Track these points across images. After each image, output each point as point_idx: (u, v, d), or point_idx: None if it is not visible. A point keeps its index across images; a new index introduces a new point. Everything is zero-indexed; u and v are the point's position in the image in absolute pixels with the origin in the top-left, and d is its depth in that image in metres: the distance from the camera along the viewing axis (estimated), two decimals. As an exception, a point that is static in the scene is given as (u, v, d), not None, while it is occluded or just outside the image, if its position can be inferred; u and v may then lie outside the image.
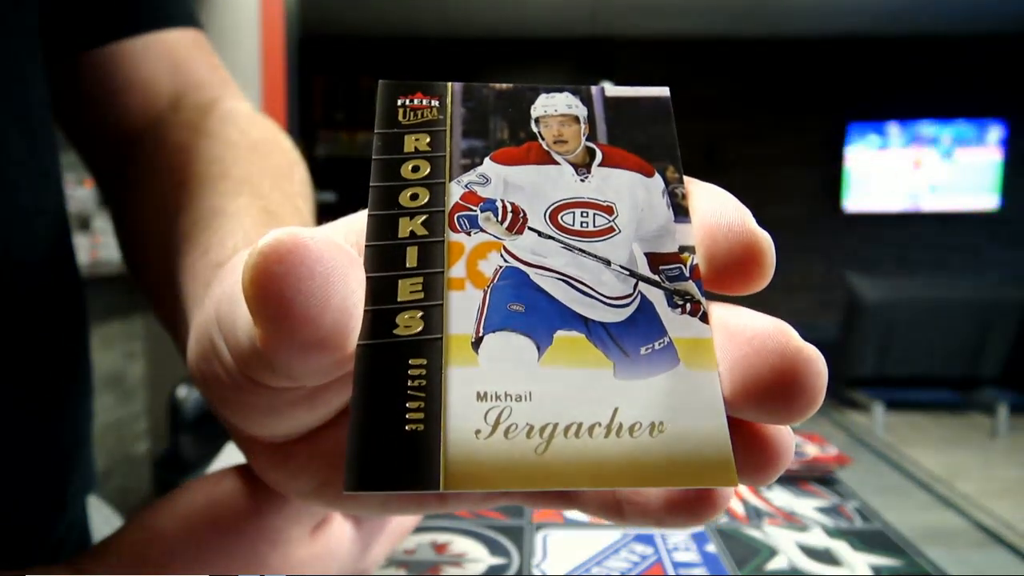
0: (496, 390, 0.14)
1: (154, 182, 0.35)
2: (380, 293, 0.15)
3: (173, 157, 0.35)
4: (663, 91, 0.18)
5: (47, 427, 0.36)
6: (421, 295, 0.15)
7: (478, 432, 0.13)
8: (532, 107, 0.18)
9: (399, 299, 0.15)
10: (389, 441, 0.13)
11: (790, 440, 0.16)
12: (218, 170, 0.32)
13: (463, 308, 0.15)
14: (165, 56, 0.40)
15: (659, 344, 0.15)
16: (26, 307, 0.34)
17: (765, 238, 0.15)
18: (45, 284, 0.35)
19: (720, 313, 0.15)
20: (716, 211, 0.16)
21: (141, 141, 0.38)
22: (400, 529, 0.30)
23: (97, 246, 2.02)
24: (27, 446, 0.34)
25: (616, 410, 0.14)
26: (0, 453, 0.33)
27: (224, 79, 0.42)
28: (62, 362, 0.38)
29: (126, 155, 0.39)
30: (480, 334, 0.15)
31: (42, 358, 0.35)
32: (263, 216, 0.28)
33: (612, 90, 0.18)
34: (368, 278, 0.15)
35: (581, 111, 0.18)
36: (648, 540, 0.43)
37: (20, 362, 0.33)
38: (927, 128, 4.93)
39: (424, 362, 0.14)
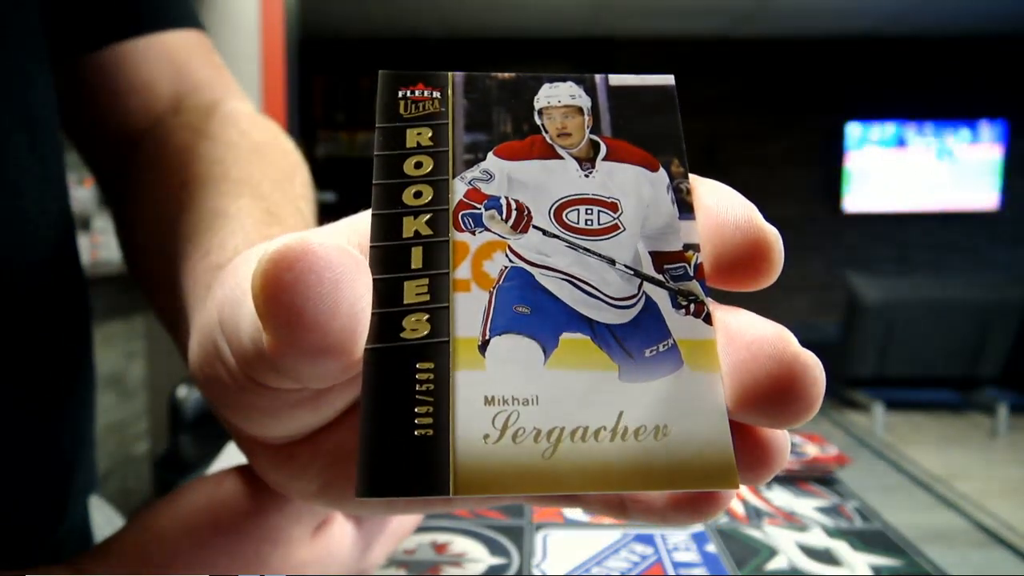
0: (503, 394, 0.14)
1: (155, 183, 0.35)
2: (386, 296, 0.15)
3: (174, 159, 0.35)
4: (668, 79, 0.18)
5: (50, 427, 0.36)
6: (427, 297, 0.15)
7: (486, 437, 0.14)
8: (535, 98, 0.18)
9: (405, 301, 0.15)
10: (399, 447, 0.13)
11: (785, 442, 0.16)
12: (219, 171, 0.32)
13: (469, 310, 0.15)
14: (166, 58, 0.40)
15: (663, 346, 0.15)
16: (30, 308, 0.34)
17: (773, 234, 0.15)
18: (49, 285, 0.35)
19: (721, 316, 0.15)
20: (723, 208, 0.16)
21: (142, 142, 0.38)
22: (401, 530, 0.30)
23: (97, 246, 2.02)
24: (30, 446, 0.34)
25: (621, 413, 0.14)
26: (2, 453, 0.33)
27: (226, 80, 0.42)
28: (65, 363, 0.38)
29: (127, 156, 0.39)
30: (487, 337, 0.15)
31: (45, 359, 0.35)
32: (264, 217, 0.28)
33: (616, 79, 0.18)
34: (374, 280, 0.15)
35: (585, 102, 0.18)
36: (648, 540, 0.43)
37: (23, 363, 0.33)
38: (927, 128, 4.93)
39: (431, 366, 0.14)
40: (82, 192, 2.03)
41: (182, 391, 1.63)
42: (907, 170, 4.98)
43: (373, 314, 0.14)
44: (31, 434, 0.34)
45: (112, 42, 0.39)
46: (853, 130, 4.95)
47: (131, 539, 0.24)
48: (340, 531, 0.26)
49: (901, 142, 4.96)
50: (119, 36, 0.39)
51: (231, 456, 0.49)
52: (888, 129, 4.95)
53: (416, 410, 0.14)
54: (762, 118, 4.92)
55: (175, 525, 0.24)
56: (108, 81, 0.39)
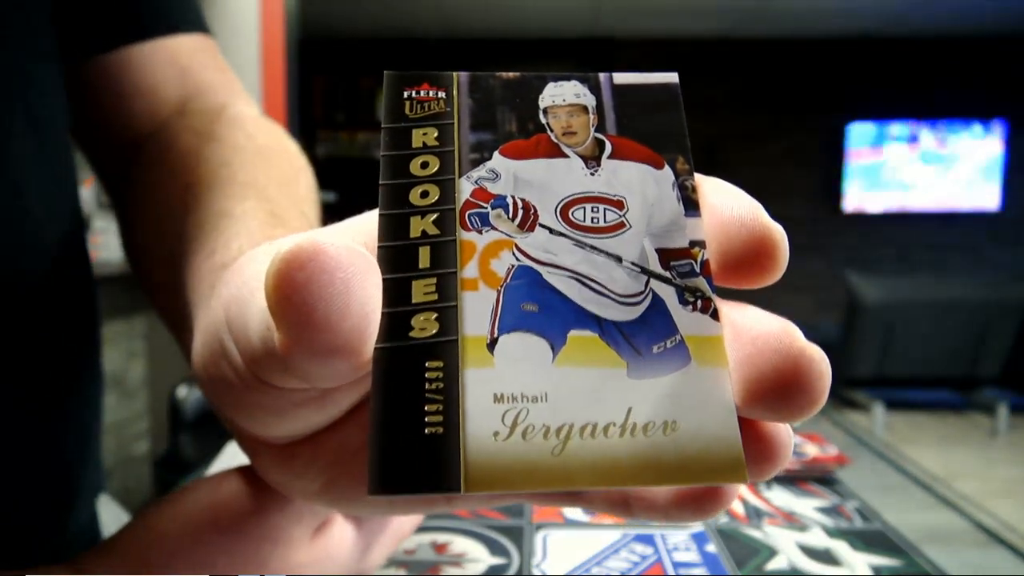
0: (512, 391, 0.14)
1: (160, 185, 0.35)
2: (395, 295, 0.15)
3: (180, 161, 0.35)
4: (672, 77, 0.18)
5: (58, 427, 0.36)
6: (435, 296, 0.15)
7: (496, 434, 0.14)
8: (540, 97, 0.18)
9: (413, 301, 0.15)
10: (410, 444, 0.13)
11: (790, 437, 0.16)
12: (225, 174, 0.32)
13: (477, 309, 0.15)
14: (172, 61, 0.40)
15: (671, 342, 0.15)
16: (37, 308, 0.34)
17: (779, 231, 0.16)
18: (56, 285, 0.36)
19: (728, 311, 0.15)
20: (728, 205, 0.16)
21: (148, 145, 0.38)
22: (400, 531, 0.30)
23: (97, 246, 2.02)
24: (37, 446, 0.35)
25: (630, 410, 0.14)
26: (9, 452, 0.33)
27: (232, 84, 0.42)
28: (75, 363, 0.38)
29: (132, 158, 0.39)
30: (495, 335, 0.15)
31: (53, 359, 0.35)
32: (269, 219, 0.28)
33: (620, 77, 0.18)
34: (383, 280, 0.15)
35: (590, 100, 0.18)
36: (648, 540, 0.43)
37: (31, 363, 0.34)
38: (927, 128, 4.93)
39: (441, 364, 0.14)
40: (82, 192, 2.02)
41: (182, 391, 1.63)
42: (907, 170, 4.98)
43: (382, 314, 0.14)
44: (39, 434, 0.35)
45: (118, 46, 0.39)
46: (854, 130, 4.95)
47: (132, 538, 0.24)
48: (340, 532, 0.26)
49: (901, 142, 4.96)
50: (125, 40, 0.39)
51: (231, 456, 0.49)
52: (888, 129, 4.95)
53: (426, 408, 0.14)
54: (762, 118, 4.92)
55: (176, 524, 0.24)
56: (113, 84, 0.39)
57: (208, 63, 0.42)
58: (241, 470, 0.25)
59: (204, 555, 0.24)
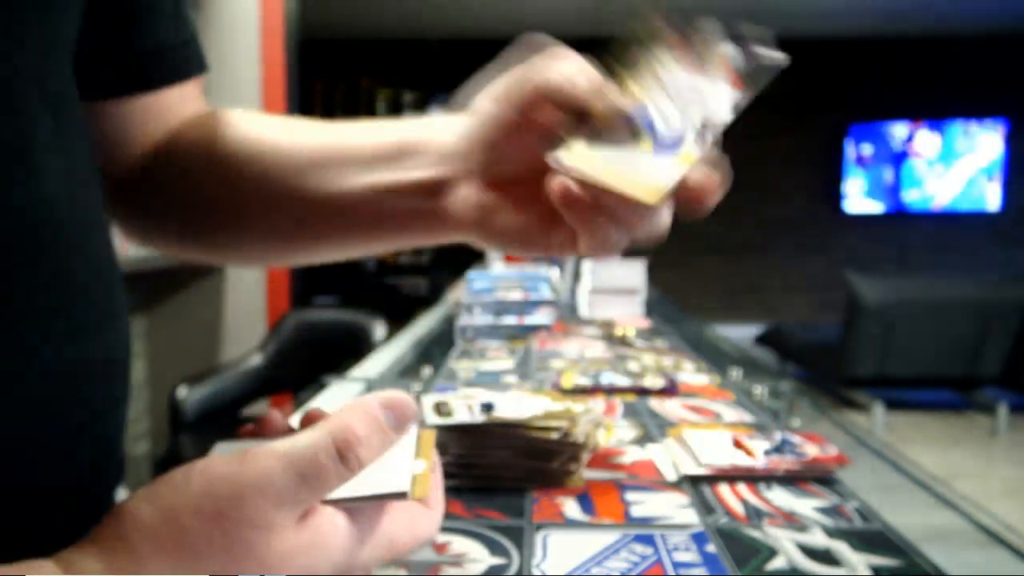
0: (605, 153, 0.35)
1: (194, 160, 0.42)
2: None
3: (194, 148, 0.41)
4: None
5: (83, 423, 0.37)
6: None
7: (591, 158, 0.35)
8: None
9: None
10: None
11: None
12: (258, 126, 0.41)
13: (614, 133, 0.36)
14: (174, 106, 0.45)
15: (677, 147, 0.36)
16: (64, 310, 0.34)
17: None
18: (89, 288, 0.37)
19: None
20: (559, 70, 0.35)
21: (154, 156, 0.43)
22: (393, 534, 0.30)
23: (97, 246, 2.02)
24: (61, 438, 0.35)
25: (651, 168, 0.35)
26: (33, 448, 0.33)
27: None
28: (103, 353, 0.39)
29: (139, 166, 0.43)
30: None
31: (84, 349, 0.36)
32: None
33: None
34: None
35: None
36: (648, 540, 0.43)
37: (60, 355, 0.34)
38: (927, 128, 4.93)
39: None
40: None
41: (182, 391, 1.63)
42: (907, 170, 4.99)
43: None
44: (66, 427, 0.35)
45: (128, 95, 0.42)
46: (853, 130, 4.95)
47: (115, 530, 0.25)
48: (329, 521, 0.27)
49: (901, 142, 4.97)
50: (135, 91, 0.42)
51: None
52: (888, 129, 4.96)
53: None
54: (762, 118, 4.92)
55: (158, 512, 0.24)
56: (113, 121, 0.43)
57: (195, 104, 0.47)
58: (218, 458, 0.26)
59: (187, 542, 0.24)
